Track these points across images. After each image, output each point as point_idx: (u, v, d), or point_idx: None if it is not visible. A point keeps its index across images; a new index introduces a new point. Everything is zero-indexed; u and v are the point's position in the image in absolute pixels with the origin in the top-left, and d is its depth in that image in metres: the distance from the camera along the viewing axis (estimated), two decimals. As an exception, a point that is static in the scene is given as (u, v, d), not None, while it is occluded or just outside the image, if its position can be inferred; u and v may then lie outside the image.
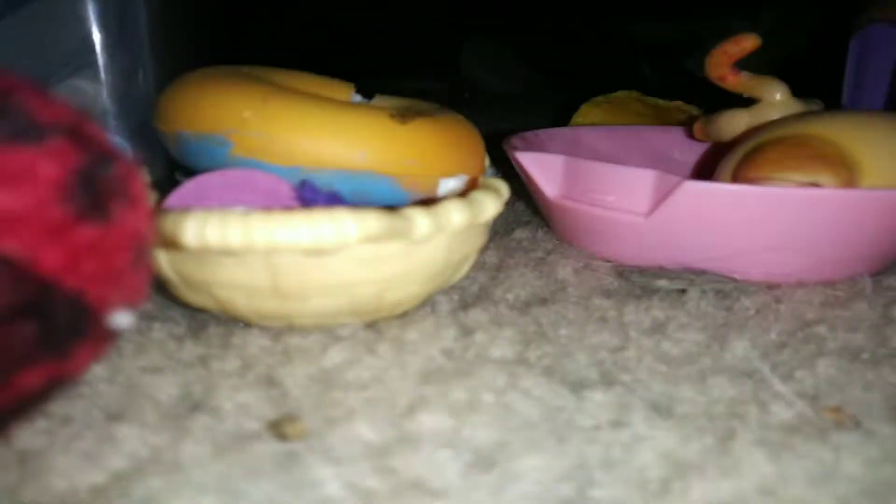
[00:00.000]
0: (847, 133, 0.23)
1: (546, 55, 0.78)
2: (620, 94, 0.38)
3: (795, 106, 0.26)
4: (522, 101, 0.66)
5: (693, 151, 0.32)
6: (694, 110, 0.36)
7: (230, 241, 0.14)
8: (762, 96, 0.26)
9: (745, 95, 0.26)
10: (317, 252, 0.15)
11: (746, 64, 0.26)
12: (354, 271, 0.16)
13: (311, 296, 0.17)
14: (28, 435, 0.14)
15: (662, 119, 0.37)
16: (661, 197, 0.22)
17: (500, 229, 0.29)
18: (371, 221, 0.15)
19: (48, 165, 0.09)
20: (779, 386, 0.17)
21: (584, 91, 0.38)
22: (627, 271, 0.24)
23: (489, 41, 0.81)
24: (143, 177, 0.11)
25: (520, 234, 0.28)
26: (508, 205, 0.32)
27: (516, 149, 0.26)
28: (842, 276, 0.23)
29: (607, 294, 0.22)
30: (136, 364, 0.17)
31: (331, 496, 0.13)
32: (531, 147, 0.28)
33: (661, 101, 0.37)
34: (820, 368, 0.18)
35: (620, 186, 0.22)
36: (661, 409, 0.16)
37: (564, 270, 0.24)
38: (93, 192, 0.09)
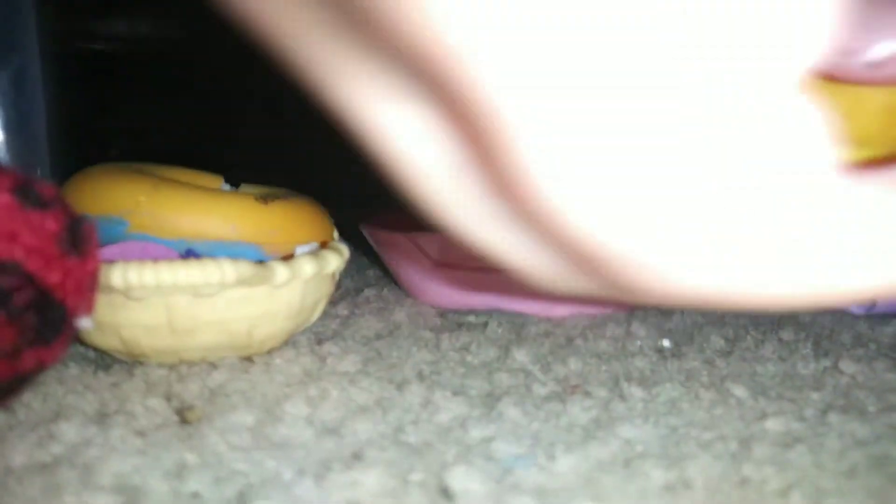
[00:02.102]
0: None
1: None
2: None
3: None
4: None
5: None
6: None
7: (145, 281, 0.20)
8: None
9: None
10: (204, 292, 0.21)
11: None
12: (231, 310, 0.22)
13: (198, 331, 0.23)
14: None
15: None
16: None
17: (351, 290, 0.35)
18: (244, 267, 0.21)
19: (52, 223, 0.14)
20: (540, 374, 0.24)
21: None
22: (448, 313, 0.31)
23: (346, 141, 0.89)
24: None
25: (368, 293, 0.35)
26: (360, 272, 0.39)
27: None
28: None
29: (430, 329, 0.29)
30: (61, 389, 0.22)
31: (220, 452, 0.18)
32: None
33: None
34: (571, 364, 0.25)
35: None
36: (459, 392, 0.22)
37: (400, 316, 0.31)
38: (74, 238, 0.15)
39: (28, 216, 0.14)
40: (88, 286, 0.16)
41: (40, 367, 0.16)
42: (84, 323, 0.16)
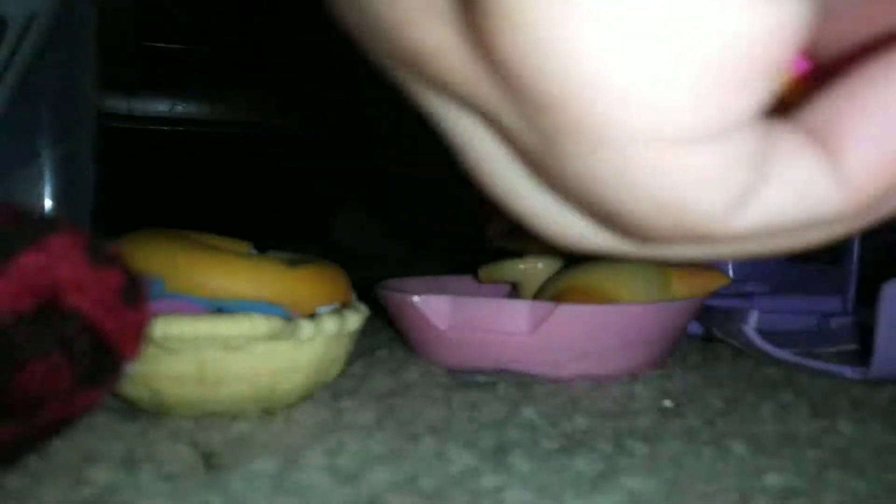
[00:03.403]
0: (605, 279, 0.34)
1: (405, 223, 0.91)
2: None
3: (550, 257, 0.37)
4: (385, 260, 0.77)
5: (481, 290, 0.42)
6: None
7: (183, 332, 0.21)
8: (526, 250, 0.37)
9: (516, 250, 0.38)
10: (234, 345, 0.22)
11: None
12: (257, 363, 0.24)
13: (224, 384, 0.24)
14: (14, 476, 0.20)
15: None
16: (540, 318, 0.30)
17: (366, 350, 0.36)
18: (273, 321, 0.22)
19: (114, 278, 0.16)
20: (547, 430, 0.25)
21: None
22: (457, 372, 0.32)
23: (359, 211, 0.93)
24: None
25: (381, 353, 0.36)
26: (373, 334, 0.41)
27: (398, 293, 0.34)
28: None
29: (441, 387, 0.30)
30: (90, 436, 0.23)
31: (244, 497, 0.19)
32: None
33: None
34: (577, 421, 0.26)
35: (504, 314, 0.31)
36: (469, 446, 0.23)
37: (412, 374, 0.32)
38: (131, 292, 0.16)
39: (95, 272, 0.16)
40: (138, 335, 0.17)
41: (89, 409, 0.17)
42: (129, 367, 0.17)
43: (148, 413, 0.25)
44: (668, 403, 0.28)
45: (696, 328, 0.40)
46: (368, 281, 0.38)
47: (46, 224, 0.17)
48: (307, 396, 0.28)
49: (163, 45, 0.57)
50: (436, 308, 0.32)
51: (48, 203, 0.32)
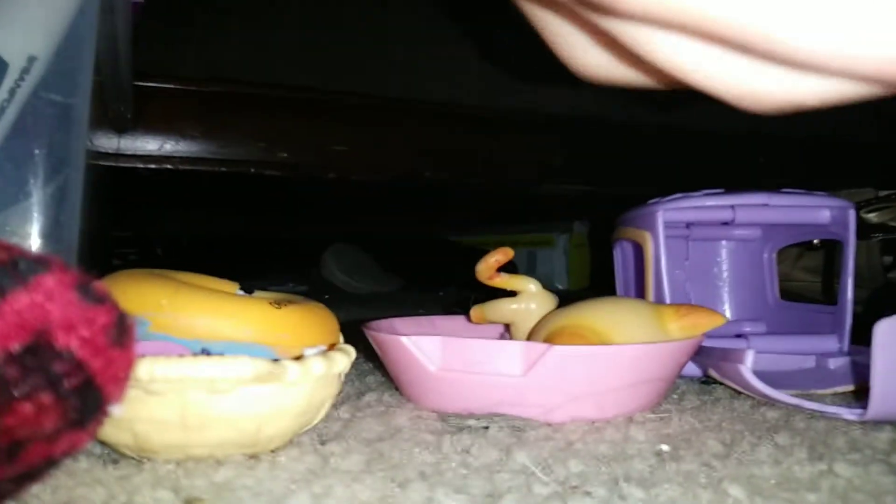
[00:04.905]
0: (600, 319, 0.33)
1: (395, 260, 0.91)
2: None
3: (544, 294, 0.36)
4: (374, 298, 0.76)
5: (472, 330, 0.41)
6: None
7: (168, 374, 0.21)
8: (521, 289, 0.37)
9: (508, 290, 0.37)
10: (220, 388, 0.22)
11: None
12: (242, 406, 0.23)
13: (209, 427, 0.23)
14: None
15: None
16: (533, 360, 0.29)
17: (352, 394, 0.36)
18: (260, 364, 0.22)
19: (103, 317, 0.16)
20: (541, 475, 0.24)
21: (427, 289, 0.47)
22: (447, 416, 0.31)
23: (348, 248, 0.92)
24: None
25: (369, 397, 0.35)
26: (360, 377, 0.40)
27: (385, 332, 0.34)
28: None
29: (431, 431, 0.29)
30: (71, 482, 0.22)
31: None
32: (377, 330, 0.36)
33: None
34: (571, 465, 0.26)
35: (496, 355, 0.30)
36: (460, 492, 0.23)
37: (401, 418, 0.31)
38: (119, 332, 0.16)
39: (85, 310, 0.16)
40: (125, 376, 0.17)
41: (71, 451, 0.16)
42: (115, 410, 0.17)
43: (130, 458, 0.25)
44: (664, 447, 0.27)
45: (693, 369, 0.39)
46: (357, 320, 0.37)
47: (38, 263, 0.16)
48: (293, 440, 0.27)
49: (153, 84, 0.57)
50: (426, 349, 0.31)
51: (37, 241, 0.32)
